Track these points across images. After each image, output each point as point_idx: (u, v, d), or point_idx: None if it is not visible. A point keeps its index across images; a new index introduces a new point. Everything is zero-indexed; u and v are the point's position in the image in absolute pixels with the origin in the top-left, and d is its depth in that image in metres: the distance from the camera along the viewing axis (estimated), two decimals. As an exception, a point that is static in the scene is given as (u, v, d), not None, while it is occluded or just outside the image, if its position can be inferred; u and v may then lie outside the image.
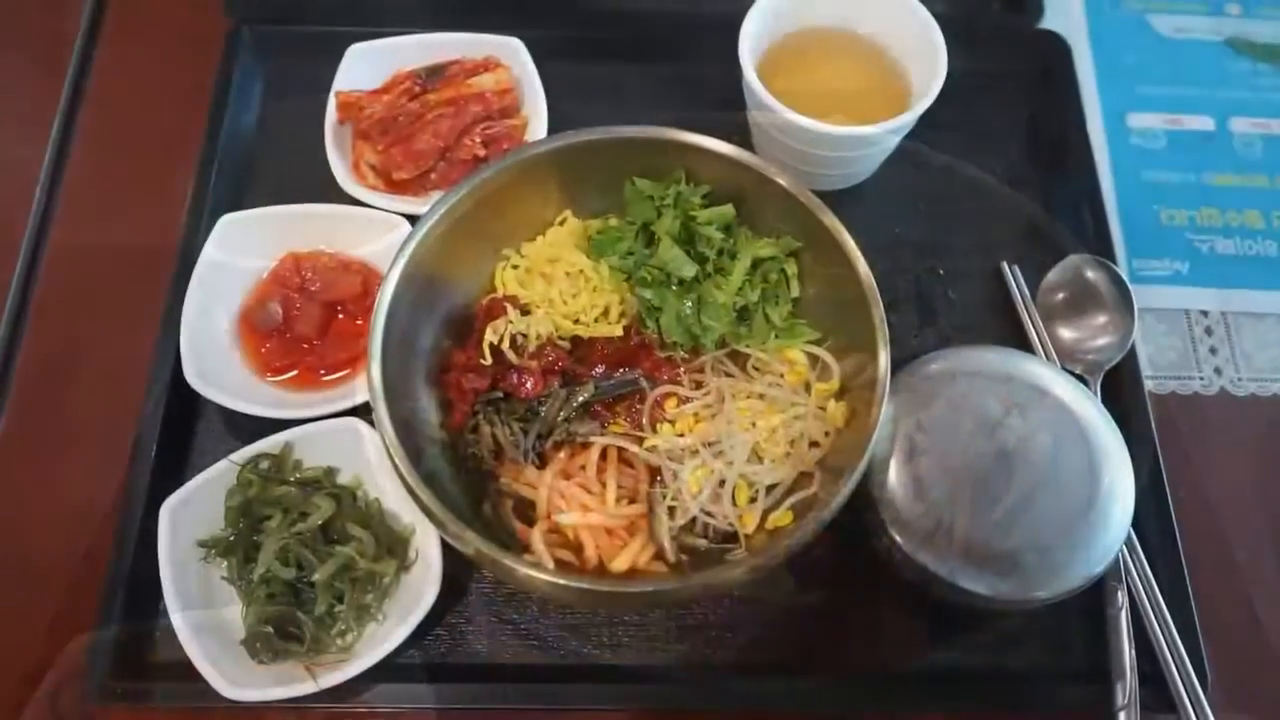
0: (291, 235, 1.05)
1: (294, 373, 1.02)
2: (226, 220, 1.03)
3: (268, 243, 1.05)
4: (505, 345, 0.91)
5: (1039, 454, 0.86)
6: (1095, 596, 0.91)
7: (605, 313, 0.95)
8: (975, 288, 1.10)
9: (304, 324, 1.02)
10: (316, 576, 0.87)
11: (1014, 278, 1.09)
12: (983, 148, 1.17)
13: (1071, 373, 0.98)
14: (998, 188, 1.15)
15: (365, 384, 0.82)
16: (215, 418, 1.01)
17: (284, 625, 0.87)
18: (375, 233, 1.04)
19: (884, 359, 0.82)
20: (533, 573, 0.77)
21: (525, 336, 0.92)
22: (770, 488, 0.89)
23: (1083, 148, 1.16)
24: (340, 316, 1.04)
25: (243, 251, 1.04)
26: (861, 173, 1.12)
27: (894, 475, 0.86)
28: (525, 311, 0.93)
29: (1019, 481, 0.85)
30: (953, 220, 1.13)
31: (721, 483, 0.88)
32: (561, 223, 0.98)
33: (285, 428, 0.94)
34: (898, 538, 0.85)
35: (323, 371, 1.02)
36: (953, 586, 0.84)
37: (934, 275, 1.11)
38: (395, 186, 1.08)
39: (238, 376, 0.99)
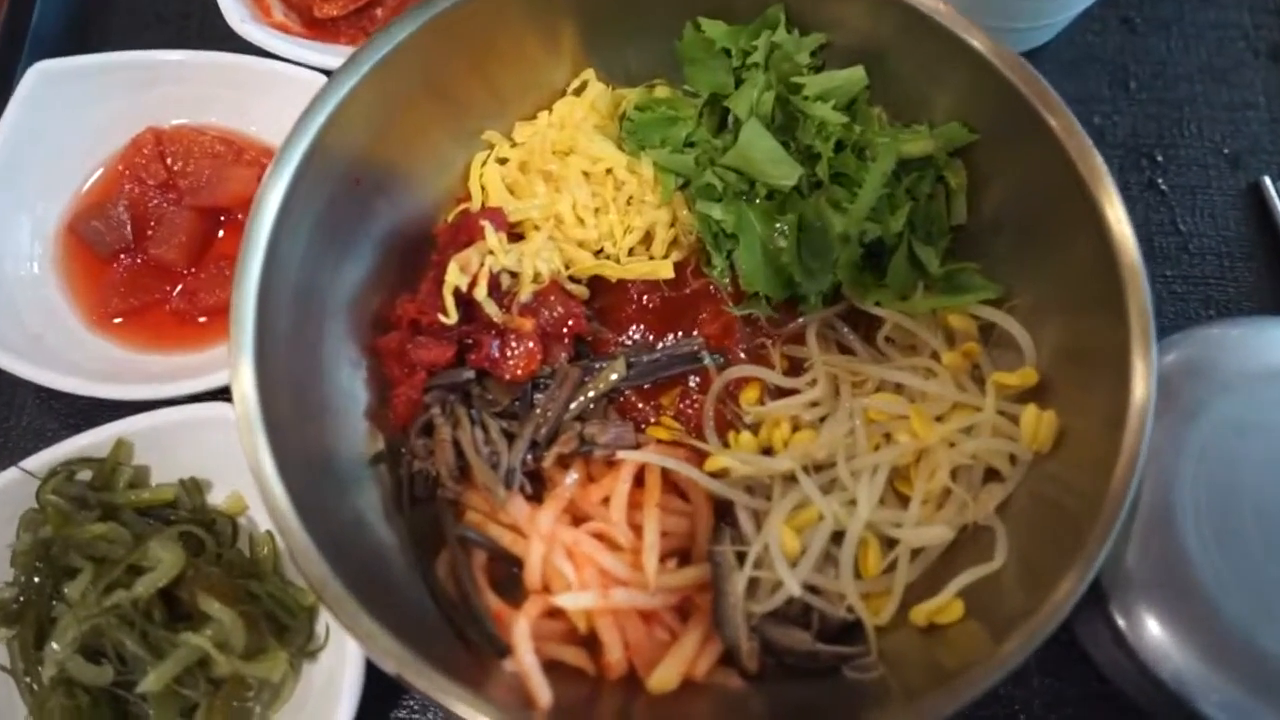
0: (152, 100, 0.87)
1: (147, 320, 0.82)
2: (42, 70, 0.83)
3: (112, 110, 0.87)
4: (481, 292, 0.72)
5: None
6: None
7: (646, 240, 0.78)
8: (1218, 215, 0.90)
9: (166, 242, 0.83)
10: (147, 684, 0.62)
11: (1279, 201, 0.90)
12: None
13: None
14: (1251, 60, 0.95)
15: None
16: (24, 395, 0.82)
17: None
18: (283, 99, 0.83)
19: (1141, 379, 0.59)
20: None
21: (515, 277, 0.73)
22: (917, 551, 0.67)
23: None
24: (223, 233, 0.86)
25: (70, 122, 0.85)
26: (1050, 27, 0.92)
27: (1135, 540, 0.65)
28: (517, 236, 0.77)
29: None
30: (1182, 108, 0.93)
31: (837, 537, 0.67)
32: (579, 90, 0.81)
33: (128, 412, 0.74)
34: (1132, 640, 0.64)
35: (201, 318, 0.82)
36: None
37: (1154, 193, 0.90)
38: (317, 29, 0.91)
39: (54, 326, 0.81)
